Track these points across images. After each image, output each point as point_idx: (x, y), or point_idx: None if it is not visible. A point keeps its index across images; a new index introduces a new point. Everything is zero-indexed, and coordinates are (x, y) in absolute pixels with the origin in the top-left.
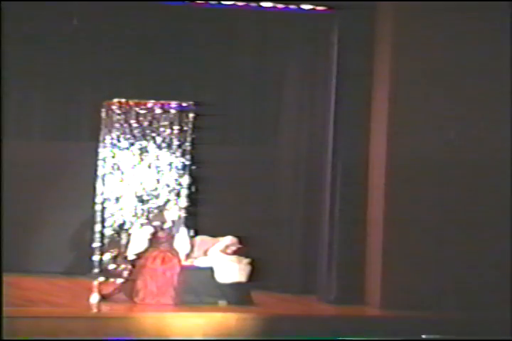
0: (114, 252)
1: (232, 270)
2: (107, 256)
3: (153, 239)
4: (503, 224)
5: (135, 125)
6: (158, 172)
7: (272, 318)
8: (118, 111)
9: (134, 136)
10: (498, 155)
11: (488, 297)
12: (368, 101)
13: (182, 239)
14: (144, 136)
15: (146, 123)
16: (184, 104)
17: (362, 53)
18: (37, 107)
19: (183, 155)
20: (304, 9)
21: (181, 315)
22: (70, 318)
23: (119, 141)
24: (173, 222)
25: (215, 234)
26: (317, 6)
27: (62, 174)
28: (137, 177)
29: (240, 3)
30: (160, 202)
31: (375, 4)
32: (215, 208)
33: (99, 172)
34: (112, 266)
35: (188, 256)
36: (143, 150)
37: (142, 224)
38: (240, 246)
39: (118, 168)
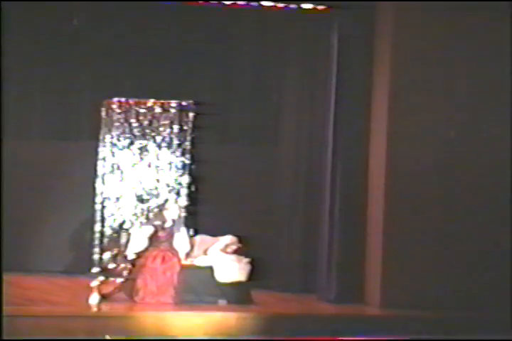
0: (114, 251)
1: (232, 269)
2: (106, 256)
3: (153, 239)
4: (503, 224)
5: (135, 124)
6: (158, 171)
7: (271, 317)
8: (118, 111)
9: (134, 136)
10: (498, 155)
11: (488, 297)
12: (368, 101)
13: (182, 238)
14: (143, 136)
15: (146, 123)
16: (184, 104)
17: (362, 53)
18: (37, 107)
19: (182, 154)
20: (304, 9)
21: (181, 314)
22: (70, 317)
23: (119, 140)
24: (173, 221)
25: (214, 233)
26: (317, 5)
27: (62, 174)
28: (137, 176)
29: (240, 3)
30: (160, 201)
31: (375, 4)
32: (215, 207)
33: (99, 171)
34: (111, 266)
35: (187, 255)
36: (143, 150)
37: (142, 224)
38: (239, 245)
39: (118, 168)
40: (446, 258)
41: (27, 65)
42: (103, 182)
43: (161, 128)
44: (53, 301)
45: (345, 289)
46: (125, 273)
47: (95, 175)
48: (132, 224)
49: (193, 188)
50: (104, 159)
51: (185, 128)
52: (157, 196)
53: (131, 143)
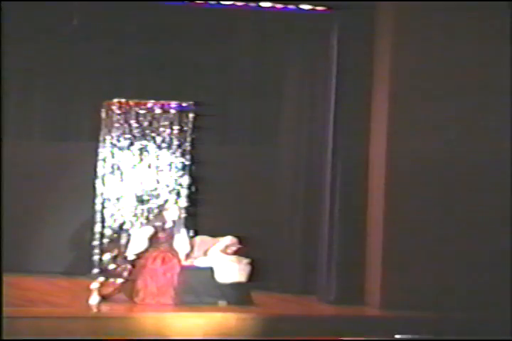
0: (114, 252)
1: (232, 270)
2: (106, 256)
3: (154, 239)
4: (503, 224)
5: (135, 125)
6: (158, 172)
7: (271, 318)
8: (118, 111)
9: (134, 136)
10: (498, 155)
11: (488, 297)
12: (368, 101)
13: (182, 239)
14: (143, 136)
15: (146, 124)
16: (184, 104)
17: (362, 53)
18: (37, 107)
19: (182, 155)
20: (303, 9)
21: (181, 315)
22: (70, 318)
23: (119, 141)
24: (174, 222)
25: (215, 234)
26: (317, 6)
27: (62, 174)
28: (137, 177)
29: (239, 3)
30: (160, 202)
31: (375, 4)
32: (215, 208)
33: (99, 172)
34: (111, 266)
35: (188, 256)
36: (143, 150)
37: (142, 225)
38: (239, 246)
39: (118, 168)
40: (446, 259)
41: (27, 66)
42: (103, 183)
43: (161, 129)
44: (53, 302)
45: (345, 290)
46: (125, 274)
47: (95, 176)
48: (132, 224)
49: (193, 189)
50: (104, 160)
51: (185, 129)
52: (157, 197)
53: (131, 143)
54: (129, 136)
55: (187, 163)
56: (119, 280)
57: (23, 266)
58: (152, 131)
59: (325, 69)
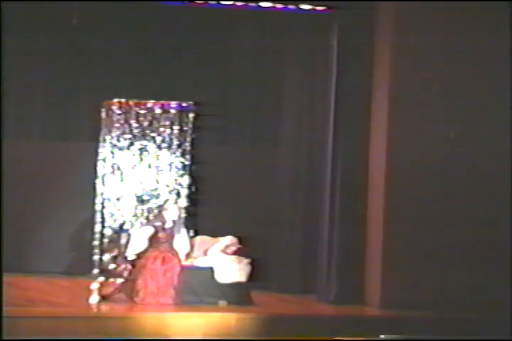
0: (114, 252)
1: (232, 270)
2: (107, 256)
3: (154, 239)
4: (503, 224)
5: (135, 125)
6: (158, 172)
7: (271, 318)
8: (118, 111)
9: (134, 136)
10: (498, 155)
11: (488, 297)
12: (368, 102)
13: (182, 239)
14: (143, 136)
15: (146, 124)
16: (184, 104)
17: (362, 53)
18: (37, 107)
19: (183, 155)
20: (303, 9)
21: (181, 315)
22: (70, 318)
23: (119, 141)
24: (174, 222)
25: (215, 234)
26: (316, 6)
27: (62, 174)
28: (137, 177)
29: (239, 3)
30: (160, 202)
31: (375, 4)
32: (215, 208)
33: (99, 172)
34: (112, 266)
35: (188, 256)
36: (143, 150)
37: (142, 224)
38: (239, 246)
39: (118, 168)
40: (446, 259)
41: (27, 65)
42: (103, 183)
43: (161, 129)
44: (53, 302)
45: (344, 290)
46: (125, 273)
47: (95, 176)
48: (132, 224)
49: (193, 189)
50: (104, 160)
51: (185, 128)
52: (157, 197)
53: (131, 143)
54: (129, 135)
55: (187, 162)
56: (119, 280)
57: (23, 266)
58: (152, 131)
59: (325, 69)
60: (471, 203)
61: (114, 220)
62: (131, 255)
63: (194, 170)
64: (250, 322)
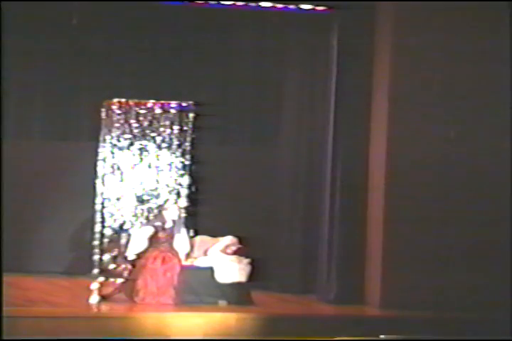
0: (114, 252)
1: (232, 270)
2: (107, 256)
3: (154, 239)
4: (503, 224)
5: (135, 125)
6: (158, 172)
7: (271, 318)
8: (118, 111)
9: (134, 136)
10: (498, 155)
11: (488, 297)
12: (368, 102)
13: (182, 239)
14: (143, 136)
15: (146, 123)
16: (184, 104)
17: (362, 53)
18: (37, 107)
19: (183, 155)
20: (303, 9)
21: (181, 314)
22: (70, 318)
23: (119, 140)
24: (174, 222)
25: (215, 234)
26: (317, 6)
27: (62, 174)
28: (137, 177)
29: (239, 3)
30: (160, 202)
31: (375, 4)
32: (215, 208)
33: (99, 172)
34: (112, 266)
35: (188, 256)
36: (143, 150)
37: (142, 224)
38: (239, 246)
39: (118, 168)
40: (446, 259)
41: (27, 65)
42: (103, 183)
43: (161, 129)
44: (53, 302)
45: (344, 290)
46: (125, 273)
47: (95, 176)
48: (132, 224)
49: (193, 189)
50: (104, 160)
51: (185, 128)
52: (157, 197)
53: (131, 143)
54: (129, 135)
55: (187, 162)
56: (119, 280)
57: (23, 266)
58: (152, 131)
59: (325, 69)
60: (471, 203)
61: (114, 220)
62: (131, 255)
63: (194, 170)
64: (250, 322)
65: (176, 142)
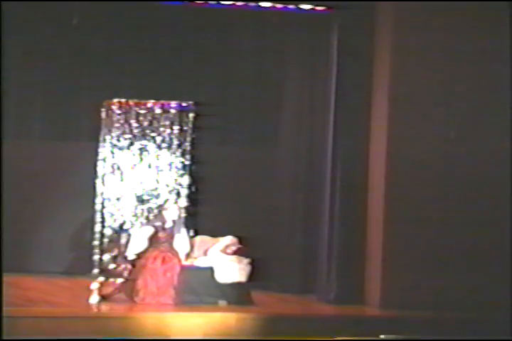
0: (114, 252)
1: (232, 270)
2: (107, 256)
3: (154, 239)
4: (503, 224)
5: (135, 125)
6: (158, 172)
7: (271, 318)
8: (118, 111)
9: (134, 136)
10: (498, 155)
11: (488, 297)
12: (368, 102)
13: (182, 239)
14: (143, 136)
15: (146, 123)
16: (184, 104)
17: (362, 53)
18: (37, 107)
19: (183, 155)
20: (303, 9)
21: (181, 314)
22: (70, 318)
23: (119, 140)
24: (174, 222)
25: (215, 234)
26: (317, 6)
27: (62, 174)
28: (137, 177)
29: (239, 3)
30: (160, 202)
31: (375, 4)
32: (215, 208)
33: (99, 172)
34: (111, 266)
35: (188, 256)
36: (143, 150)
37: (142, 224)
38: (239, 246)
39: (118, 168)
40: (446, 259)
41: (27, 65)
42: (103, 183)
43: (161, 129)
44: (53, 302)
45: (344, 289)
46: (125, 273)
47: (95, 176)
48: (132, 224)
49: (193, 189)
50: (104, 160)
51: (185, 128)
52: (157, 197)
53: (131, 143)
54: (129, 135)
55: (187, 162)
56: (119, 280)
57: (23, 266)
58: (152, 131)
59: (325, 69)
60: (471, 203)
61: (114, 220)
62: (131, 255)
63: (194, 170)
64: (250, 322)
65: (175, 142)
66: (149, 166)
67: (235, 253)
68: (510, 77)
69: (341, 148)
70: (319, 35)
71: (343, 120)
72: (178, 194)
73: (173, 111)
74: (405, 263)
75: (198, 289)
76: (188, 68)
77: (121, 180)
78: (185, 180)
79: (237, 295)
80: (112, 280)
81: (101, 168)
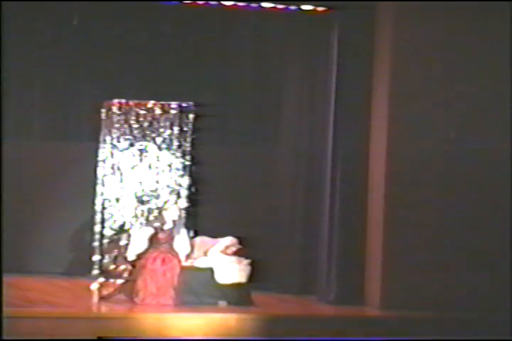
0: (114, 253)
1: (232, 270)
2: (107, 257)
3: (154, 240)
4: (503, 224)
5: (135, 125)
6: (158, 172)
7: (271, 319)
8: (118, 112)
9: (134, 137)
10: (498, 155)
11: (488, 297)
12: (368, 101)
13: (182, 239)
14: (143, 137)
15: (146, 124)
16: (184, 105)
17: (362, 53)
18: (37, 107)
19: (183, 155)
20: (303, 9)
21: (181, 315)
22: (70, 318)
23: (119, 141)
24: (174, 222)
25: (215, 234)
26: (317, 6)
27: (62, 174)
28: (137, 177)
29: (240, 4)
30: (160, 202)
31: (375, 4)
32: (215, 208)
33: (99, 173)
34: (112, 267)
35: (188, 256)
36: (143, 151)
37: (142, 225)
38: (239, 246)
39: (118, 169)
40: (446, 259)
41: (27, 66)
42: (103, 184)
43: (161, 130)
44: (53, 302)
45: (345, 290)
46: (125, 274)
47: (95, 177)
48: (132, 225)
49: (193, 189)
50: (104, 160)
51: (185, 129)
52: (157, 197)
53: (131, 144)
54: (129, 136)
55: (187, 163)
56: (119, 281)
57: (23, 267)
58: (152, 132)
59: (325, 69)
60: (471, 203)
61: (114, 221)
62: (131, 256)
63: (194, 171)
64: (250, 323)
65: (176, 143)
66: (149, 167)
67: (234, 253)
68: (511, 77)
69: (341, 148)
70: (319, 35)
71: (343, 120)
72: (178, 194)
73: (173, 111)
74: (405, 264)
75: (197, 290)
76: (188, 69)
77: (121, 181)
78: (186, 180)
79: (237, 296)
80: (111, 280)
81: (101, 168)
